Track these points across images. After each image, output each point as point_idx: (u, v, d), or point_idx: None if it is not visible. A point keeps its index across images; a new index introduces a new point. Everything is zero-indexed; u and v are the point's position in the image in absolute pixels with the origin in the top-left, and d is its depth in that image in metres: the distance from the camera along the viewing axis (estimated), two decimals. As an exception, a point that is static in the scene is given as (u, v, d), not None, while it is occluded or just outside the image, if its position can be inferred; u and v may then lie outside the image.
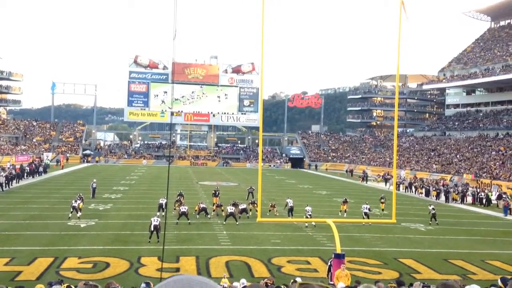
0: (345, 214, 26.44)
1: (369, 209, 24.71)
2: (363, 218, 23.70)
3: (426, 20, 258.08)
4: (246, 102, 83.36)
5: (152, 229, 18.08)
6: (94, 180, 31.90)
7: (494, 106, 70.87)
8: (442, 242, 20.90)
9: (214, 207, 25.93)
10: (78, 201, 23.11)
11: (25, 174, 41.67)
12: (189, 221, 22.16)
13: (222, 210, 24.67)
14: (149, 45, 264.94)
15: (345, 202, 27.30)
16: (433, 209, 25.35)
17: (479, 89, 75.12)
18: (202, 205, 24.04)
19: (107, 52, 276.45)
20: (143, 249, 17.26)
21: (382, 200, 28.91)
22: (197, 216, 23.83)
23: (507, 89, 69.04)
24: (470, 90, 76.36)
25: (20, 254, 15.95)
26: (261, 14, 14.39)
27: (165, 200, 22.86)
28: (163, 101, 79.52)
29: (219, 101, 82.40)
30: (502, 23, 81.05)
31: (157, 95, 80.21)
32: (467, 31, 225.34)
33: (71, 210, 22.50)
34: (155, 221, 18.21)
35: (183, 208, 22.39)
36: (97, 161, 70.25)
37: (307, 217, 22.54)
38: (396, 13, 14.84)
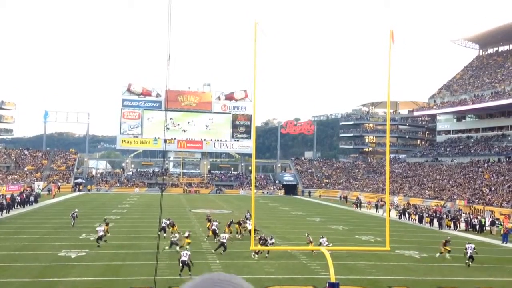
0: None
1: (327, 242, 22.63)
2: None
3: (416, 48, 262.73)
4: (239, 129, 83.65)
5: (181, 265, 17.35)
6: (76, 210, 31.84)
7: (485, 132, 71.53)
8: (436, 270, 20.76)
9: (210, 232, 26.44)
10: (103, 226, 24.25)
11: (16, 204, 41.18)
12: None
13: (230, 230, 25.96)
14: (142, 73, 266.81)
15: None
16: (472, 248, 21.51)
17: (469, 116, 75.94)
18: (213, 226, 25.43)
19: (100, 80, 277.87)
20: (135, 280, 17.00)
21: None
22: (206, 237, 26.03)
23: (497, 115, 69.91)
24: (460, 116, 77.18)
25: (10, 286, 15.64)
26: (253, 42, 14.59)
27: (168, 222, 26.11)
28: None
29: (212, 128, 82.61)
30: (490, 50, 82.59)
31: (150, 122, 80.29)
32: (456, 59, 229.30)
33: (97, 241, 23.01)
34: (184, 255, 17.42)
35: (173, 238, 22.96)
36: (88, 190, 69.62)
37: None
38: (386, 42, 15.12)
